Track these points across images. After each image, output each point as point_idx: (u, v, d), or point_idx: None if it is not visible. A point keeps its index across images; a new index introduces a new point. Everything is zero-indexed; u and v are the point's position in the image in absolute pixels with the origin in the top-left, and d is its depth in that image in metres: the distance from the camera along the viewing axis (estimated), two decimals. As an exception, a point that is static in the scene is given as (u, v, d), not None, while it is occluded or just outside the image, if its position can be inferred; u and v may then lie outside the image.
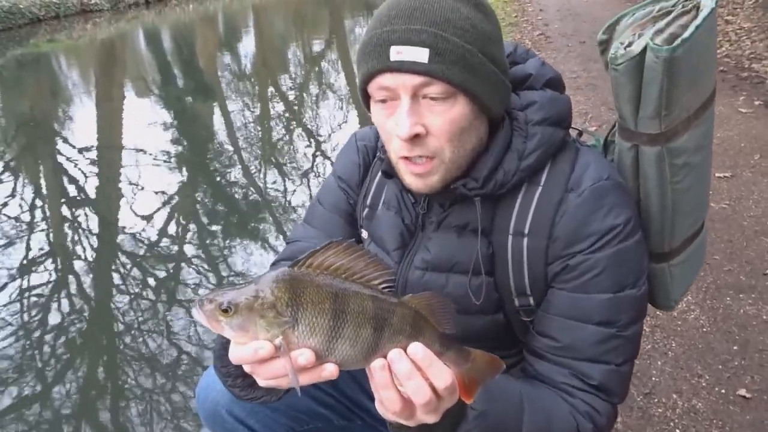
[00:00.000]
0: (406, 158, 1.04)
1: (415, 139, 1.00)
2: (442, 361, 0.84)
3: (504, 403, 0.98)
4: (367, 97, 1.09)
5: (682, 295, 1.32)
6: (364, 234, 1.28)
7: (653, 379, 2.32)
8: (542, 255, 1.08)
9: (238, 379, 1.02)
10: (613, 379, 1.06)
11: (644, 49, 1.03)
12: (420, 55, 0.96)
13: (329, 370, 0.80)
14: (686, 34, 0.99)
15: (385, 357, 0.82)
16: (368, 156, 1.30)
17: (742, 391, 2.22)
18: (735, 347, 2.45)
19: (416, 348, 0.81)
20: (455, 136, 1.02)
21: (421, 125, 1.00)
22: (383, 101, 1.03)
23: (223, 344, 1.00)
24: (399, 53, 0.97)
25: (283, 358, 0.78)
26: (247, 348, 0.79)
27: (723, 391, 2.24)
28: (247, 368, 0.84)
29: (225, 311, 0.77)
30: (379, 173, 1.24)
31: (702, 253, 1.31)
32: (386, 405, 0.83)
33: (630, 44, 1.07)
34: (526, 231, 1.09)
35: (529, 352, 1.12)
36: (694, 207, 1.18)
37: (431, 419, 0.85)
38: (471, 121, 1.03)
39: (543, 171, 1.10)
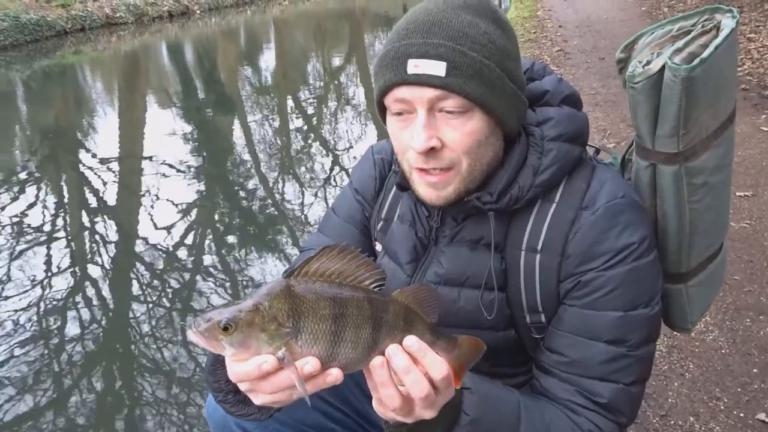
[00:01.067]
0: (421, 169, 1.04)
1: (431, 152, 1.01)
2: (435, 351, 0.85)
3: (499, 413, 0.98)
4: (383, 110, 1.09)
5: (700, 317, 1.29)
6: (378, 247, 1.28)
7: (669, 400, 2.28)
8: (555, 272, 1.07)
9: (229, 394, 1.01)
10: (622, 399, 1.04)
11: (662, 68, 1.02)
12: (437, 68, 0.97)
13: (334, 376, 0.81)
14: (705, 54, 0.99)
15: (382, 354, 0.83)
16: (384, 169, 1.31)
17: (762, 416, 2.17)
18: (755, 370, 2.40)
19: (411, 340, 0.83)
20: (472, 149, 1.02)
21: (436, 138, 1.00)
22: (399, 114, 1.04)
23: (215, 359, 1.00)
24: (416, 66, 0.98)
25: (287, 370, 0.78)
26: (250, 364, 0.78)
27: (741, 414, 2.19)
28: (244, 387, 0.83)
29: (225, 329, 0.75)
30: (395, 186, 1.24)
31: (721, 274, 1.29)
32: (386, 402, 0.84)
33: (648, 63, 1.07)
34: (539, 247, 1.08)
35: (537, 367, 1.11)
36: (712, 227, 1.16)
37: (429, 414, 0.86)
38: (487, 136, 1.03)
39: (558, 187, 1.10)
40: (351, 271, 0.83)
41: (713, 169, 1.09)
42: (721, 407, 2.23)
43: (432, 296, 0.90)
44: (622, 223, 1.05)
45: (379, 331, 0.83)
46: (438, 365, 0.83)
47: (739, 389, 2.31)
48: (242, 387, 0.84)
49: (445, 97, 0.98)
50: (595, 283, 1.04)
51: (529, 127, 1.10)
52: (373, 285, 0.85)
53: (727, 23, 1.04)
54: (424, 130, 0.99)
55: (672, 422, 2.18)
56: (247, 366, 0.78)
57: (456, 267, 1.13)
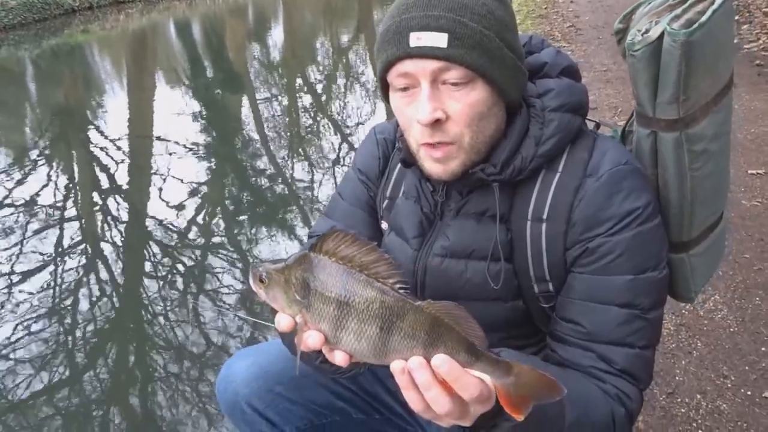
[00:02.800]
0: (426, 144, 1.05)
1: (436, 124, 1.02)
2: (476, 370, 0.81)
3: None
4: (386, 88, 1.10)
5: (703, 286, 1.31)
6: (384, 225, 1.29)
7: (677, 378, 2.29)
8: (561, 240, 1.09)
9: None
10: (637, 363, 1.05)
11: (662, 35, 1.03)
12: (439, 39, 0.98)
13: (338, 359, 0.84)
14: (703, 19, 1.00)
15: (405, 359, 0.81)
16: (388, 149, 1.31)
17: (769, 394, 2.18)
18: (763, 348, 2.40)
19: (440, 361, 0.79)
20: (474, 121, 1.03)
21: (441, 110, 1.01)
22: (403, 89, 1.05)
23: None
24: (418, 39, 0.99)
25: (299, 335, 0.84)
26: (277, 316, 0.87)
27: (749, 392, 2.20)
28: None
29: (261, 281, 0.85)
30: (399, 164, 1.25)
31: (722, 244, 1.30)
32: (410, 404, 0.82)
33: (647, 31, 1.08)
34: (545, 216, 1.09)
35: (553, 338, 1.12)
36: (713, 195, 1.17)
37: (463, 422, 0.83)
38: (489, 107, 1.04)
39: (561, 157, 1.11)
40: (369, 261, 0.82)
41: (713, 136, 1.10)
42: (729, 385, 2.24)
43: (470, 318, 0.83)
44: (625, 189, 1.06)
45: (390, 334, 0.81)
46: (470, 387, 0.79)
47: (746, 367, 2.31)
48: None
49: (447, 68, 1.00)
50: (603, 249, 1.05)
51: (529, 98, 1.11)
52: (397, 285, 0.83)
53: None
54: (429, 102, 1.00)
55: (679, 400, 2.19)
56: (276, 318, 0.87)
57: (462, 239, 1.14)
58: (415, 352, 0.81)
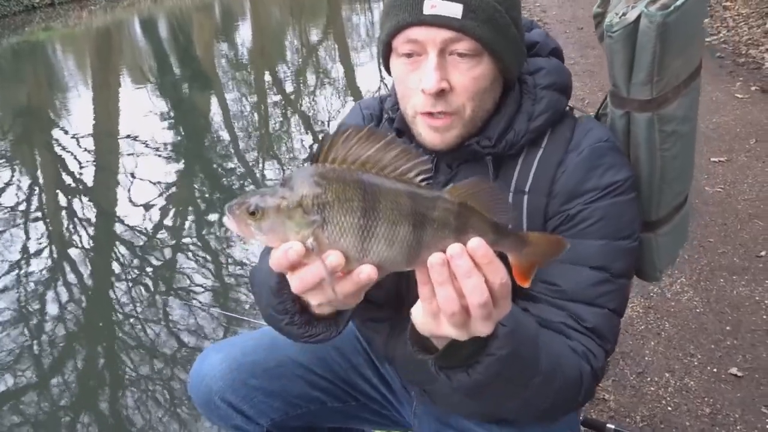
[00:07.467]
0: (426, 114, 1.07)
1: (439, 94, 1.03)
2: (498, 249, 0.78)
3: (526, 329, 0.94)
4: (388, 53, 1.11)
5: (668, 266, 1.36)
6: None
7: (646, 358, 2.35)
8: (541, 211, 1.12)
9: (295, 315, 0.98)
10: (606, 324, 1.08)
11: (638, 17, 1.08)
12: (454, 10, 1.00)
13: (366, 273, 0.74)
14: (679, 2, 1.04)
15: (433, 254, 0.75)
16: (372, 123, 1.32)
17: (734, 370, 2.24)
18: (728, 327, 2.47)
19: (477, 243, 0.74)
20: (477, 94, 1.06)
21: (446, 81, 1.03)
22: (408, 55, 1.06)
23: (280, 280, 0.97)
24: (433, 7, 1.00)
25: (317, 260, 0.74)
26: (279, 249, 0.75)
27: (715, 369, 2.26)
28: (295, 286, 0.78)
29: (253, 214, 0.74)
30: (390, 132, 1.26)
31: (686, 225, 1.35)
32: (444, 305, 0.75)
33: (625, 14, 1.12)
34: (527, 189, 1.13)
35: (524, 297, 1.11)
36: (680, 176, 1.22)
37: (486, 329, 0.78)
38: (491, 82, 1.07)
39: (544, 135, 1.15)
40: (389, 159, 0.74)
41: (682, 118, 1.15)
42: (695, 363, 2.30)
43: (494, 192, 0.80)
44: (606, 163, 1.10)
45: (423, 229, 0.75)
46: (500, 272, 0.75)
47: (712, 346, 2.38)
48: (294, 287, 0.78)
49: (458, 39, 1.01)
50: (581, 215, 1.09)
51: (522, 75, 1.15)
52: (419, 177, 0.76)
53: None
54: (435, 71, 1.02)
55: (648, 379, 2.25)
56: (277, 252, 0.75)
57: None
58: (447, 243, 0.75)
